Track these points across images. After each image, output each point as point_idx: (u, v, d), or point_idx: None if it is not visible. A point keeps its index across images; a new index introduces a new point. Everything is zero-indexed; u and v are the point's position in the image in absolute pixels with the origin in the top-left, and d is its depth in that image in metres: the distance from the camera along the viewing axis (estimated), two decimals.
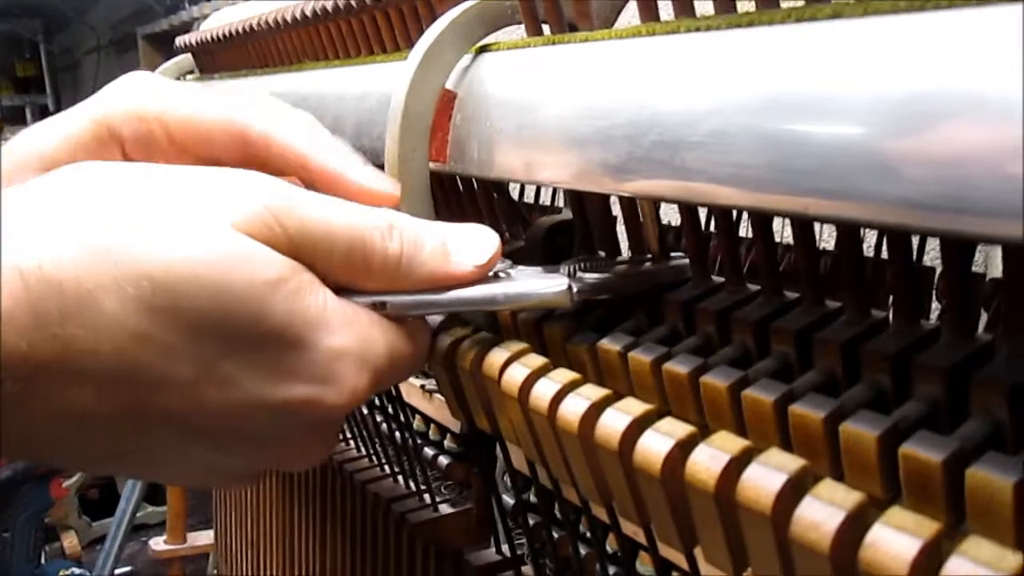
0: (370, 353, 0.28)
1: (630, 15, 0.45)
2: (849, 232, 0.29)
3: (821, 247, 0.34)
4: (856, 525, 0.20)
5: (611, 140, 0.29)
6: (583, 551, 0.40)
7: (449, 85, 0.39)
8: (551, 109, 0.32)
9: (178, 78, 0.89)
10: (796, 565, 0.22)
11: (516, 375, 0.31)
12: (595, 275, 0.32)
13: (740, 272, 0.33)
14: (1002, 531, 0.20)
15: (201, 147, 0.33)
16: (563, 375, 0.30)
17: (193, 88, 0.35)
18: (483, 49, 0.39)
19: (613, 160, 0.29)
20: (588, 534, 0.39)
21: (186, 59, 0.88)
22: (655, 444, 0.25)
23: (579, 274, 0.32)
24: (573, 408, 0.28)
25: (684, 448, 0.24)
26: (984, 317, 0.31)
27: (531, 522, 0.40)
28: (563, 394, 0.29)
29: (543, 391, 0.29)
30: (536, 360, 0.31)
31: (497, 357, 0.32)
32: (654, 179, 0.28)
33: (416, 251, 0.29)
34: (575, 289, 0.31)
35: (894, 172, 0.21)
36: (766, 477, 0.22)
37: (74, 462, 0.26)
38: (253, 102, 0.34)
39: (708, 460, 0.23)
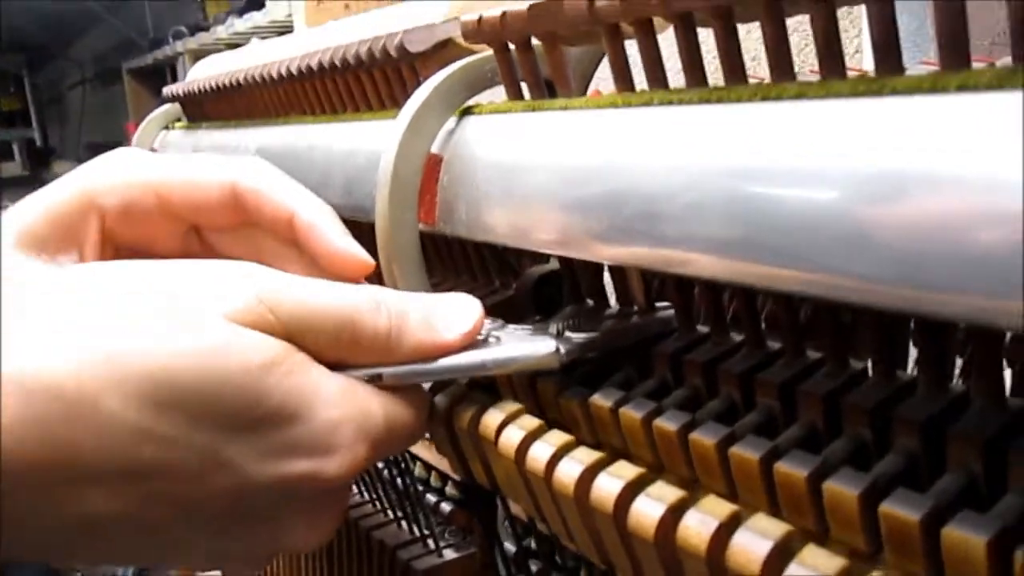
0: (367, 422, 0.29)
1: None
2: None
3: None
4: None
5: (593, 208, 0.30)
6: None
7: (435, 148, 0.40)
8: (536, 176, 0.34)
9: (166, 126, 0.91)
10: None
11: (512, 437, 0.32)
12: (582, 335, 0.33)
13: (724, 323, 0.35)
14: None
15: (193, 210, 0.34)
16: (558, 438, 0.31)
17: (178, 156, 0.36)
18: (466, 112, 0.40)
19: (596, 228, 0.30)
20: None
21: (174, 108, 0.89)
22: (648, 509, 0.26)
23: (566, 333, 0.33)
24: (568, 471, 0.29)
25: (676, 513, 0.25)
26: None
27: (533, 568, 0.41)
28: (558, 457, 0.30)
29: (538, 454, 0.30)
30: (531, 422, 0.32)
31: (493, 419, 0.33)
32: (634, 247, 0.29)
33: (403, 324, 0.30)
34: (563, 351, 0.32)
35: (862, 248, 0.22)
36: (753, 543, 0.23)
37: (83, 560, 0.27)
38: (243, 161, 0.36)
39: (698, 525, 0.24)
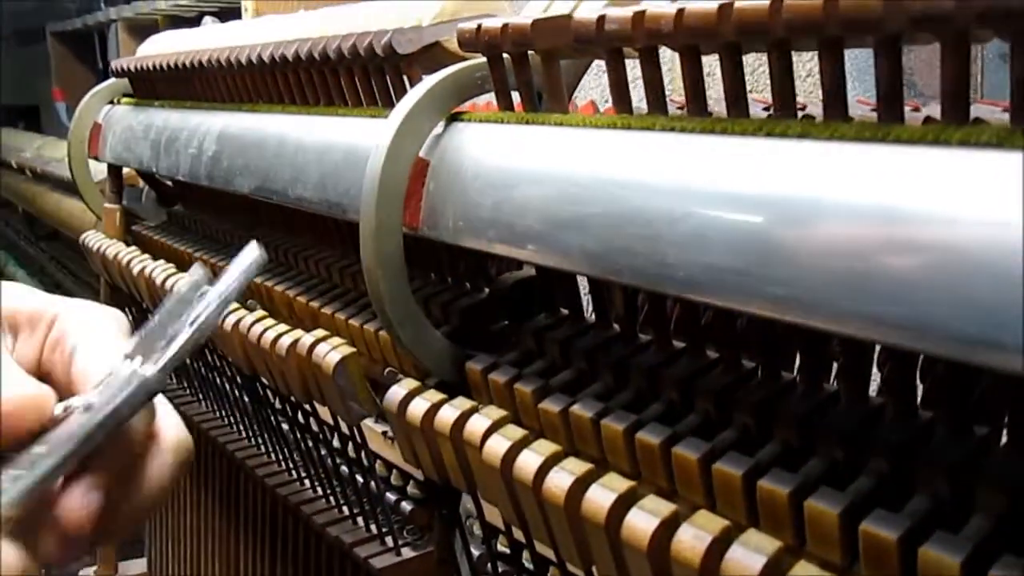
0: None
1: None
2: None
3: None
4: None
5: (592, 227, 0.31)
6: None
7: (422, 152, 0.40)
8: (533, 189, 0.34)
9: (111, 101, 0.87)
10: None
11: (498, 446, 0.32)
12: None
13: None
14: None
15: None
16: (546, 447, 0.31)
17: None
18: (454, 117, 0.40)
19: (593, 246, 0.31)
20: None
21: (120, 82, 0.86)
22: (641, 522, 0.27)
23: None
24: (558, 483, 0.30)
25: (668, 527, 0.27)
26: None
27: (500, 569, 0.41)
28: (547, 467, 0.31)
29: (527, 463, 0.31)
30: (516, 432, 0.33)
31: (478, 426, 0.33)
32: (633, 268, 0.30)
33: None
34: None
35: (863, 286, 0.24)
36: (747, 557, 0.24)
37: None
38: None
39: (692, 539, 0.26)
